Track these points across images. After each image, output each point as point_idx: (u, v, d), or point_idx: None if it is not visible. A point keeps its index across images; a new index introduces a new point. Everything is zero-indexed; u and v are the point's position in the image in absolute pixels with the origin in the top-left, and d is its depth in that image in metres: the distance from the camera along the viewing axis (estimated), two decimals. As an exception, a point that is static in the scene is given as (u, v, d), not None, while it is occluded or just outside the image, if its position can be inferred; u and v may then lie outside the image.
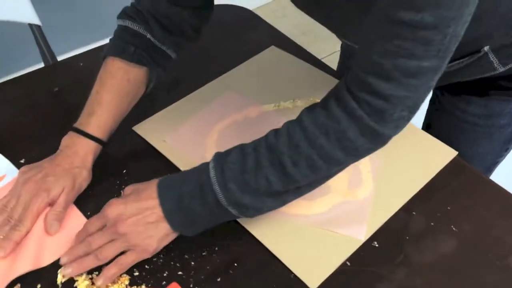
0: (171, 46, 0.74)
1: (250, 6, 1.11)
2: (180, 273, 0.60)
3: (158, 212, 0.59)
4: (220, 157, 0.59)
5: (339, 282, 0.59)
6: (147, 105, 0.81)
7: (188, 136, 0.76)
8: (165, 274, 0.60)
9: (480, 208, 0.65)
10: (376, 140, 0.56)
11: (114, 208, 0.60)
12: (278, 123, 0.75)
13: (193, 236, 0.62)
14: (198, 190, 0.58)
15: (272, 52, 0.91)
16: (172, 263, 0.61)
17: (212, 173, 0.58)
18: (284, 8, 2.50)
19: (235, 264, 0.61)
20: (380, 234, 0.63)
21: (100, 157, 0.73)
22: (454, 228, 0.63)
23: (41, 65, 1.30)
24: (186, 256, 0.61)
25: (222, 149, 0.71)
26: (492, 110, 0.77)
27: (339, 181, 0.68)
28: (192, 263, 0.61)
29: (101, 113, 0.69)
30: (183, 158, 0.72)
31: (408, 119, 0.55)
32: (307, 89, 0.83)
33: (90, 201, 0.67)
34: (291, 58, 0.90)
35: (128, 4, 0.75)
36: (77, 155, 0.67)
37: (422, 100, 0.54)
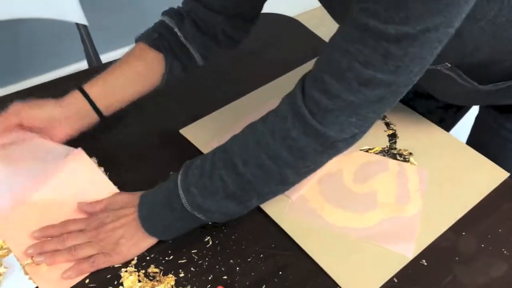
0: (198, 47, 0.75)
1: (287, 14, 1.12)
2: (225, 277, 0.60)
3: (132, 218, 0.61)
4: (187, 164, 0.61)
5: (386, 299, 0.58)
6: (194, 109, 0.82)
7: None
8: (210, 278, 0.60)
9: (534, 233, 0.63)
10: (320, 141, 0.54)
11: (99, 215, 0.63)
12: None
13: (240, 242, 0.63)
14: (167, 197, 0.60)
15: (319, 63, 0.91)
16: (217, 266, 0.61)
17: (179, 179, 0.59)
18: (319, 18, 2.50)
19: (280, 273, 0.60)
20: (428, 253, 0.62)
21: (146, 158, 0.74)
22: (505, 252, 0.62)
23: (84, 62, 1.33)
24: (232, 261, 0.61)
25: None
26: None
27: (387, 196, 0.68)
28: (237, 268, 0.61)
29: (107, 80, 0.71)
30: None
31: (357, 126, 0.54)
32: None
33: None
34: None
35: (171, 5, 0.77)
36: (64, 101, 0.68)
37: (374, 112, 0.54)
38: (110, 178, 0.70)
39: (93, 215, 0.64)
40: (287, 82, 0.86)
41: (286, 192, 0.68)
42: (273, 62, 0.92)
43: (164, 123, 0.80)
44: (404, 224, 0.65)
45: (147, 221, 0.61)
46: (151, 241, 0.62)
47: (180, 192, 0.58)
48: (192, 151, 0.75)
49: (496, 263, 0.61)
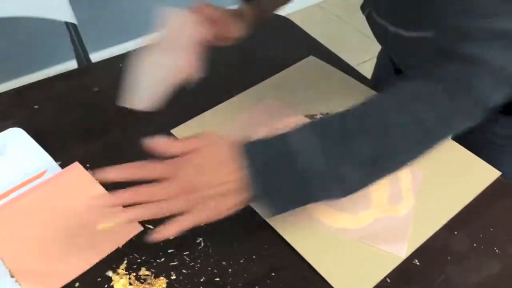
0: None
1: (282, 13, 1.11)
2: (217, 279, 0.59)
3: (236, 181, 0.53)
4: (305, 128, 0.55)
5: (379, 299, 0.58)
6: (186, 108, 0.81)
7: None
8: (202, 280, 0.59)
9: (525, 231, 0.64)
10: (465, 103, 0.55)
11: (186, 169, 0.54)
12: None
13: (232, 243, 0.62)
14: (280, 158, 0.53)
15: (311, 62, 0.91)
16: (209, 268, 0.60)
17: (301, 145, 0.53)
18: (310, 17, 2.50)
19: (273, 274, 0.60)
20: (421, 252, 0.62)
21: (137, 159, 0.73)
22: (497, 251, 0.62)
23: (74, 61, 1.32)
24: (224, 263, 0.61)
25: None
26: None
27: (379, 196, 0.68)
28: (230, 270, 0.60)
29: None
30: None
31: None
32: (345, 100, 0.82)
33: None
34: (330, 69, 0.89)
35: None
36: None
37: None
38: (104, 185, 0.69)
39: (174, 164, 0.55)
40: (280, 81, 0.87)
41: None
42: (266, 61, 0.91)
43: (154, 123, 0.79)
44: (397, 224, 0.64)
45: (262, 198, 0.54)
46: (250, 200, 0.55)
47: (304, 157, 0.53)
48: (183, 151, 0.74)
49: (488, 262, 0.61)
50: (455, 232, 0.64)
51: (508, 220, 0.65)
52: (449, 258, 0.61)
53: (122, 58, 0.92)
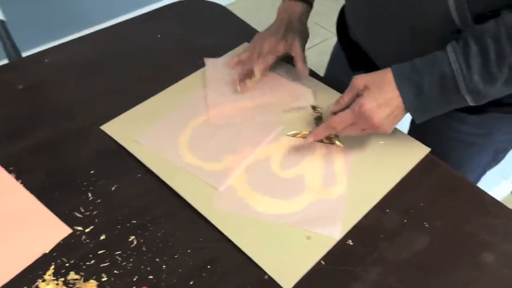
0: None
1: (223, 2, 1.10)
2: (151, 277, 0.58)
3: (399, 103, 0.64)
4: (459, 50, 0.61)
5: (314, 282, 0.58)
6: (117, 103, 0.78)
7: (158, 133, 0.74)
8: (135, 279, 0.58)
9: (453, 205, 0.65)
10: None
11: (367, 102, 0.64)
12: (254, 118, 0.75)
13: (166, 239, 0.61)
14: (438, 80, 0.62)
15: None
16: (142, 267, 0.59)
17: (455, 65, 0.61)
18: (258, 4, 2.48)
19: (208, 267, 0.59)
20: (354, 232, 0.63)
21: (66, 159, 0.71)
22: (427, 225, 0.63)
23: (5, 61, 1.25)
24: (158, 260, 0.60)
25: (196, 148, 0.71)
26: (487, 128, 0.77)
27: (314, 180, 0.68)
28: (164, 266, 0.59)
29: None
30: (155, 157, 0.70)
31: None
32: (281, 84, 0.82)
33: (58, 203, 0.65)
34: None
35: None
36: (294, 15, 0.82)
37: None
38: (30, 187, 0.66)
39: (357, 108, 0.65)
40: (216, 69, 0.85)
41: (213, 183, 0.66)
42: (201, 50, 0.89)
43: (83, 121, 0.77)
44: (330, 206, 0.65)
45: (414, 101, 0.64)
46: (402, 116, 0.66)
47: (460, 78, 0.61)
48: (115, 147, 0.72)
49: (418, 236, 0.62)
50: (387, 210, 0.65)
51: (435, 195, 0.66)
52: (381, 236, 0.62)
53: (47, 53, 0.88)
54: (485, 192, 0.67)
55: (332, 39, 0.96)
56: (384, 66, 0.66)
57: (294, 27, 0.81)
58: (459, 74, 0.61)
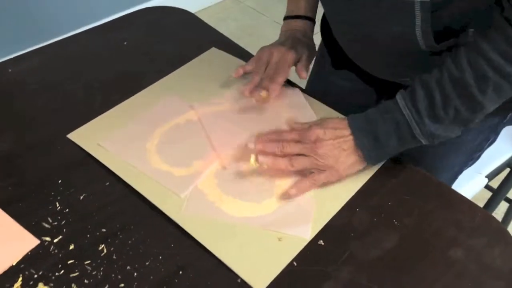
0: None
1: (192, 9, 1.10)
2: (122, 285, 0.57)
3: (351, 142, 0.66)
4: (407, 96, 0.64)
5: (286, 283, 0.58)
6: (83, 112, 0.77)
7: (126, 140, 0.73)
8: (106, 288, 0.57)
9: (420, 202, 0.67)
10: None
11: (314, 131, 0.66)
12: (219, 125, 0.75)
13: (137, 246, 0.60)
14: (394, 128, 0.64)
15: (213, 54, 0.90)
16: (113, 275, 0.58)
17: (405, 111, 0.63)
18: (227, 10, 2.50)
19: (180, 273, 0.59)
20: (325, 232, 0.63)
21: (32, 169, 0.70)
22: (396, 223, 0.64)
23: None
24: (129, 267, 0.59)
25: (164, 153, 0.71)
26: None
27: (283, 182, 0.68)
28: (135, 274, 0.58)
29: None
30: (122, 163, 0.69)
31: None
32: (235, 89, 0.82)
33: (25, 214, 0.63)
34: (232, 59, 0.89)
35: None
36: (298, 33, 0.81)
37: None
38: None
39: (307, 129, 0.67)
40: (180, 75, 0.85)
41: (176, 189, 0.66)
42: (167, 57, 0.89)
43: (48, 129, 0.75)
44: (301, 207, 0.65)
45: (370, 150, 0.65)
46: (363, 165, 0.67)
47: (413, 124, 0.63)
48: (82, 156, 0.71)
49: (388, 234, 0.63)
50: (357, 209, 0.66)
51: (403, 193, 0.67)
52: (352, 235, 0.63)
53: (10, 63, 0.87)
54: (452, 189, 0.69)
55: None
56: (364, 68, 0.66)
57: (302, 41, 0.81)
58: (411, 120, 0.63)
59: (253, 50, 0.92)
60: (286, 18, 0.85)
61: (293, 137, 0.68)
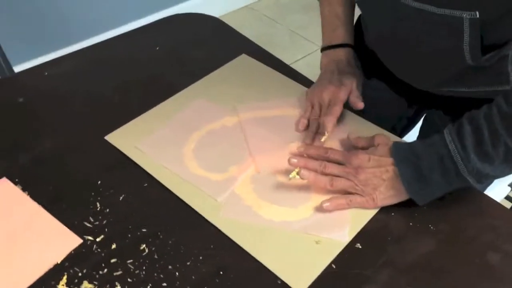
0: None
1: (214, 14, 1.11)
2: (164, 284, 0.58)
3: (392, 173, 0.64)
4: (453, 131, 0.62)
5: (326, 285, 0.59)
6: (120, 114, 0.79)
7: (162, 144, 0.74)
8: (148, 287, 0.58)
9: (455, 207, 0.67)
10: None
11: (359, 156, 0.66)
12: (254, 132, 0.76)
13: (177, 246, 0.61)
14: (438, 162, 0.62)
15: (243, 60, 0.92)
16: (155, 274, 0.59)
17: (451, 146, 0.61)
18: (242, 19, 2.52)
19: (221, 273, 0.60)
20: (362, 236, 0.64)
21: (72, 170, 0.71)
22: (431, 227, 0.65)
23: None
24: (170, 267, 0.60)
25: (201, 158, 0.72)
26: None
27: (319, 190, 0.68)
28: (177, 273, 0.59)
29: (341, 23, 0.82)
30: (158, 166, 0.71)
31: None
32: (279, 98, 0.83)
33: (67, 213, 0.65)
34: (262, 67, 0.90)
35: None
36: (341, 63, 0.79)
37: None
38: (38, 198, 0.66)
39: (351, 153, 0.67)
40: (213, 80, 0.87)
41: (213, 194, 0.67)
42: (199, 63, 0.91)
43: (86, 132, 0.77)
44: (337, 211, 0.66)
45: (412, 184, 0.63)
46: (402, 198, 0.65)
47: (458, 159, 0.61)
48: (120, 157, 0.72)
49: (425, 239, 0.64)
50: (392, 214, 0.67)
51: (439, 199, 0.68)
52: (389, 239, 0.64)
53: (46, 66, 0.88)
54: (485, 195, 0.70)
55: (317, 52, 0.97)
56: (400, 76, 0.66)
57: (347, 71, 0.79)
58: (456, 155, 0.61)
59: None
60: (325, 48, 0.83)
61: (337, 158, 0.68)
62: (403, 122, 0.95)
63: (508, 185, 1.09)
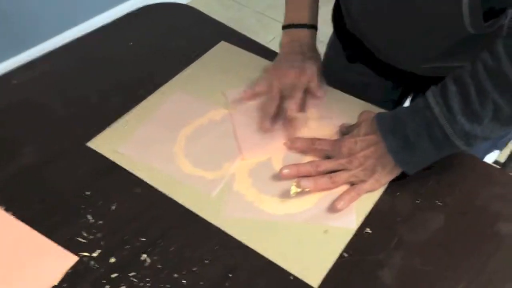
0: None
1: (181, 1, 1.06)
2: (172, 294, 0.55)
3: (383, 148, 0.62)
4: (437, 93, 0.59)
5: (341, 275, 0.57)
6: (100, 118, 0.74)
7: (149, 144, 0.70)
8: (156, 299, 0.55)
9: (460, 180, 0.66)
10: None
11: (346, 143, 0.65)
12: (242, 122, 0.73)
13: (181, 252, 0.58)
14: (424, 127, 0.60)
15: (223, 48, 0.87)
16: (161, 285, 0.56)
17: (436, 109, 0.59)
18: (208, 5, 2.45)
19: (230, 275, 0.57)
20: (370, 220, 0.62)
21: (57, 182, 0.66)
22: (439, 203, 0.63)
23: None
24: (176, 275, 0.56)
25: (193, 157, 0.68)
26: None
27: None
28: (184, 281, 0.56)
29: (307, 3, 0.78)
30: (149, 169, 0.67)
31: None
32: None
33: (57, 230, 0.60)
34: (243, 53, 0.86)
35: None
36: (305, 46, 0.76)
37: None
38: (24, 217, 0.61)
39: (338, 141, 0.65)
40: (194, 72, 0.82)
41: (206, 190, 0.64)
42: (177, 54, 0.86)
43: (68, 139, 0.72)
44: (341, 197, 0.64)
45: (400, 153, 0.61)
46: (400, 170, 0.63)
47: (444, 122, 0.58)
48: (106, 164, 0.68)
49: (433, 215, 0.62)
50: (397, 193, 0.65)
51: (441, 172, 0.66)
52: (398, 219, 0.62)
53: (14, 73, 0.82)
54: (489, 164, 0.68)
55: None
56: (385, 58, 0.63)
57: (310, 56, 0.76)
58: (442, 118, 0.58)
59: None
60: (287, 26, 0.79)
61: (324, 148, 0.67)
62: (388, 106, 0.92)
63: (497, 149, 1.09)
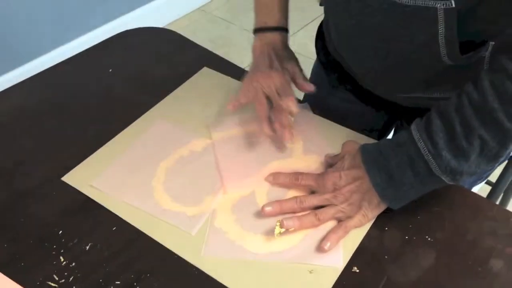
0: None
1: (160, 24, 1.04)
2: None
3: (368, 183, 0.60)
4: (421, 127, 0.58)
5: (327, 319, 0.54)
6: (77, 150, 0.71)
7: (125, 178, 0.67)
8: None
9: (450, 214, 0.63)
10: None
11: (330, 177, 0.62)
12: (225, 153, 0.70)
13: (157, 298, 0.55)
14: (408, 162, 0.58)
15: (205, 74, 0.85)
16: (137, 334, 0.52)
17: (420, 144, 0.57)
18: (195, 22, 2.44)
19: (211, 321, 0.53)
20: (358, 258, 0.59)
21: (28, 221, 0.63)
22: (429, 239, 0.61)
23: None
24: (153, 323, 0.53)
25: (172, 191, 0.65)
26: None
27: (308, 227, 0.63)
28: (161, 329, 0.53)
29: (276, 6, 0.76)
30: (127, 206, 0.64)
31: None
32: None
33: (27, 274, 0.57)
34: (226, 79, 0.84)
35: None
36: (277, 47, 0.74)
37: None
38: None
39: (322, 175, 0.64)
40: (176, 100, 0.79)
41: (186, 228, 0.61)
42: (157, 81, 0.83)
43: (41, 175, 0.68)
44: (327, 234, 0.61)
45: (385, 189, 0.60)
46: (383, 206, 0.61)
47: (429, 158, 0.56)
48: (81, 200, 0.65)
49: (423, 252, 0.60)
50: (386, 228, 0.62)
51: (430, 206, 0.64)
52: (386, 257, 0.59)
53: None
54: (480, 196, 0.66)
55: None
56: (366, 85, 0.62)
57: (285, 55, 0.75)
58: (427, 154, 0.56)
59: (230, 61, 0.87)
60: (259, 30, 0.77)
61: (308, 182, 0.64)
62: (373, 134, 0.90)
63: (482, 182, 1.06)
